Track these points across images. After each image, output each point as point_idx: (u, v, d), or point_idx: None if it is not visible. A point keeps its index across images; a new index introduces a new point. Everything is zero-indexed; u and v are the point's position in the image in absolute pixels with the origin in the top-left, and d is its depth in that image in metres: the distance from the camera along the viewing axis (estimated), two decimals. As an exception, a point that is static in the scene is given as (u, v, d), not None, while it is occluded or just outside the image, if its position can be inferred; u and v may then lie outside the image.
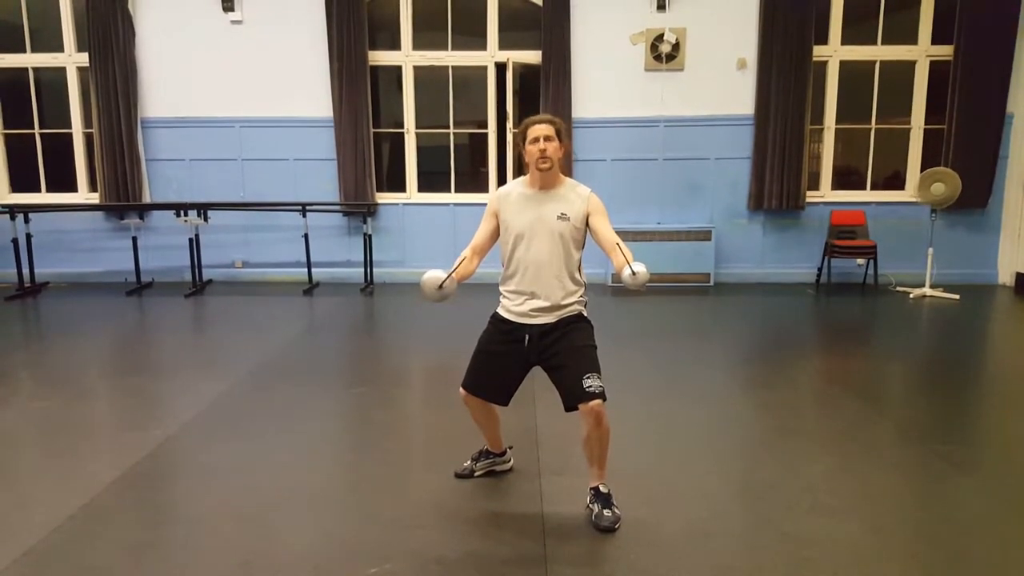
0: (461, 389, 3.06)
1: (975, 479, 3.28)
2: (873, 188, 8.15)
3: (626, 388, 4.25)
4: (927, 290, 7.36)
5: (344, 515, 2.96)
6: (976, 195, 7.72)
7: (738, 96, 7.86)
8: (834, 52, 7.86)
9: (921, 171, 7.64)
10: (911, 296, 7.35)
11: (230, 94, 7.98)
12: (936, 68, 7.83)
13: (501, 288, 3.01)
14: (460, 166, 8.39)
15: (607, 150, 7.97)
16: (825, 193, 8.08)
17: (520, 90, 7.99)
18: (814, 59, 7.69)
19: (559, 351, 2.84)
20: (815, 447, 3.65)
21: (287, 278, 8.20)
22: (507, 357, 2.94)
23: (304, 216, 7.65)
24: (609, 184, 7.97)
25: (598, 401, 2.72)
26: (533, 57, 7.88)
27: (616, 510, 2.81)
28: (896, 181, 8.21)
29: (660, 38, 7.73)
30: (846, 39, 7.84)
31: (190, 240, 7.64)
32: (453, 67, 8.08)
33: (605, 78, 7.86)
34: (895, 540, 2.76)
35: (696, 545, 2.70)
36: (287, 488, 3.17)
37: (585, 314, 2.95)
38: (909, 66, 7.91)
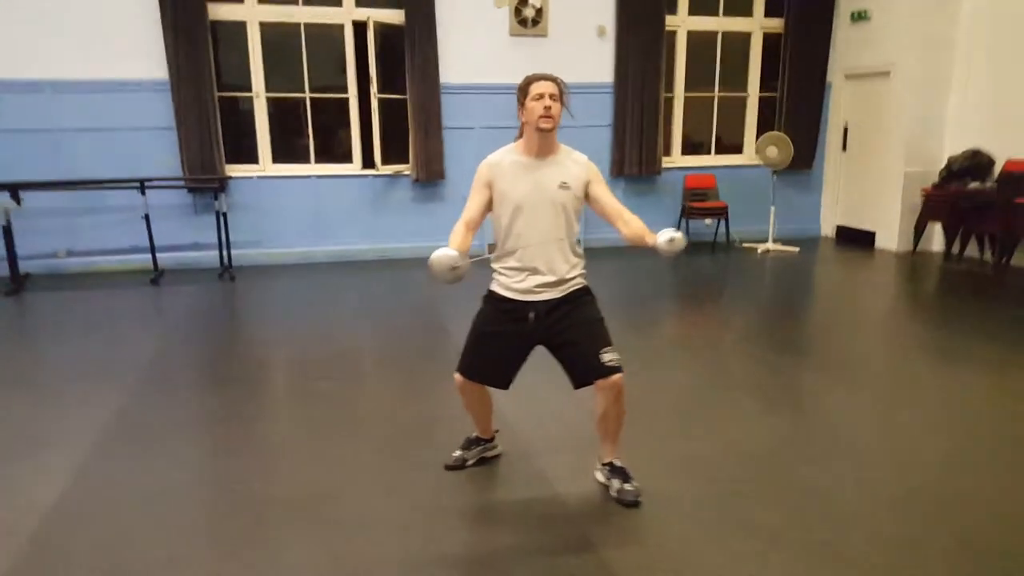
0: (457, 375, 2.83)
1: (839, 379, 3.66)
2: (719, 153, 8.75)
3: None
4: (770, 245, 8.09)
5: (350, 530, 2.62)
6: (804, 158, 8.57)
7: (599, 64, 8.02)
8: (682, 22, 8.27)
9: (757, 138, 8.34)
10: (759, 251, 8.04)
11: (36, 50, 6.71)
12: (769, 40, 8.52)
13: (496, 265, 2.80)
14: (320, 135, 7.78)
15: (476, 117, 7.78)
16: (676, 159, 8.54)
17: (383, 53, 7.53)
18: (666, 29, 8.03)
19: (569, 326, 2.70)
20: (753, 400, 3.86)
21: (124, 267, 7.17)
22: (510, 338, 2.75)
23: (143, 194, 6.68)
24: (479, 152, 7.70)
25: (619, 375, 2.64)
26: (395, 17, 7.46)
27: (636, 483, 2.76)
28: (739, 146, 8.88)
29: (524, 2, 7.66)
30: (692, 10, 8.27)
31: (1, 228, 6.39)
32: (306, 24, 7.42)
33: (471, 42, 7.64)
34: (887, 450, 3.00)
35: (727, 507, 2.73)
36: (266, 504, 2.76)
37: (588, 287, 2.83)
38: (747, 37, 8.53)
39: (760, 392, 3.96)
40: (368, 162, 7.73)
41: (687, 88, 8.46)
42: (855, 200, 8.56)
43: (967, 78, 7.40)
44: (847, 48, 8.34)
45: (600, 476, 2.88)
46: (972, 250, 7.41)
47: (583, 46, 7.94)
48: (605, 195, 2.75)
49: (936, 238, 7.85)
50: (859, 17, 8.11)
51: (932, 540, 2.51)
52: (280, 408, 3.94)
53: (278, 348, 5.00)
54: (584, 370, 2.69)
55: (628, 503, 2.71)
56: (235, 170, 7.42)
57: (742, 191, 8.48)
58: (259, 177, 7.53)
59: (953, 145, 7.48)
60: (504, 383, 2.80)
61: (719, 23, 8.41)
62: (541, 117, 2.61)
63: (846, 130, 8.57)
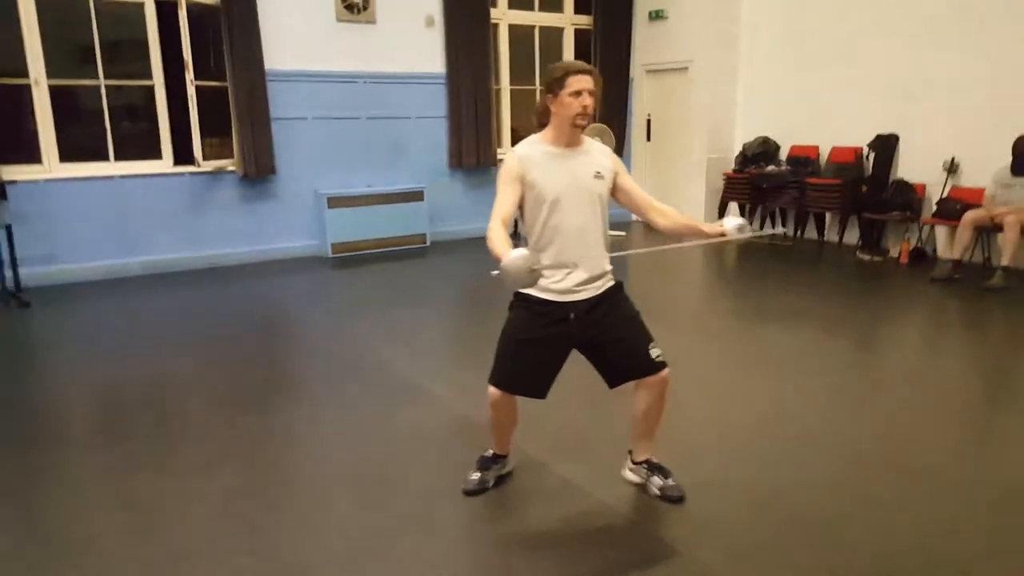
0: (493, 389, 2.63)
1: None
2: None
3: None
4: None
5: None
6: (615, 148, 9.16)
7: (429, 54, 7.83)
8: (503, 15, 8.37)
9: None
10: (592, 236, 8.47)
11: None
12: (581, 35, 8.95)
13: (526, 264, 2.62)
14: (120, 128, 6.65)
15: (307, 107, 7.20)
16: (508, 149, 8.65)
17: (197, 35, 6.62)
18: (489, 22, 8.06)
19: (612, 324, 2.63)
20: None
21: None
22: (551, 342, 2.61)
23: None
24: (312, 145, 7.28)
25: (667, 370, 2.64)
26: (208, -5, 6.60)
27: (675, 478, 2.78)
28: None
29: (351, -14, 7.21)
30: (511, 4, 8.40)
31: None
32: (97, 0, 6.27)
33: (296, 26, 7.03)
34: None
35: (783, 496, 2.82)
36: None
37: (620, 282, 2.77)
38: (560, 32, 8.88)
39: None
40: (184, 158, 6.78)
41: (512, 81, 8.60)
42: (661, 185, 9.35)
43: (751, 73, 8.43)
44: (647, 45, 9.06)
45: (634, 476, 2.86)
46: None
47: (412, 35, 7.69)
48: (634, 186, 2.71)
49: (735, 215, 8.89)
50: (656, 16, 8.83)
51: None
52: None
53: (84, 392, 4.07)
54: (633, 367, 2.64)
55: (675, 499, 2.73)
56: (14, 172, 6.06)
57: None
58: (45, 180, 6.24)
59: (744, 133, 8.51)
60: (543, 392, 2.65)
61: (536, 17, 8.65)
62: (578, 115, 2.50)
63: (649, 121, 9.33)
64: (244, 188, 7.07)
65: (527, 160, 2.56)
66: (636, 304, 2.72)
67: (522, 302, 2.63)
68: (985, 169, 6.26)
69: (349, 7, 7.26)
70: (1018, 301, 5.56)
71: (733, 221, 2.56)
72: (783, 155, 8.10)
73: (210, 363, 4.46)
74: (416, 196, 7.77)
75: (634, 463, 2.86)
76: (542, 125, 2.65)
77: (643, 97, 9.30)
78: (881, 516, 2.63)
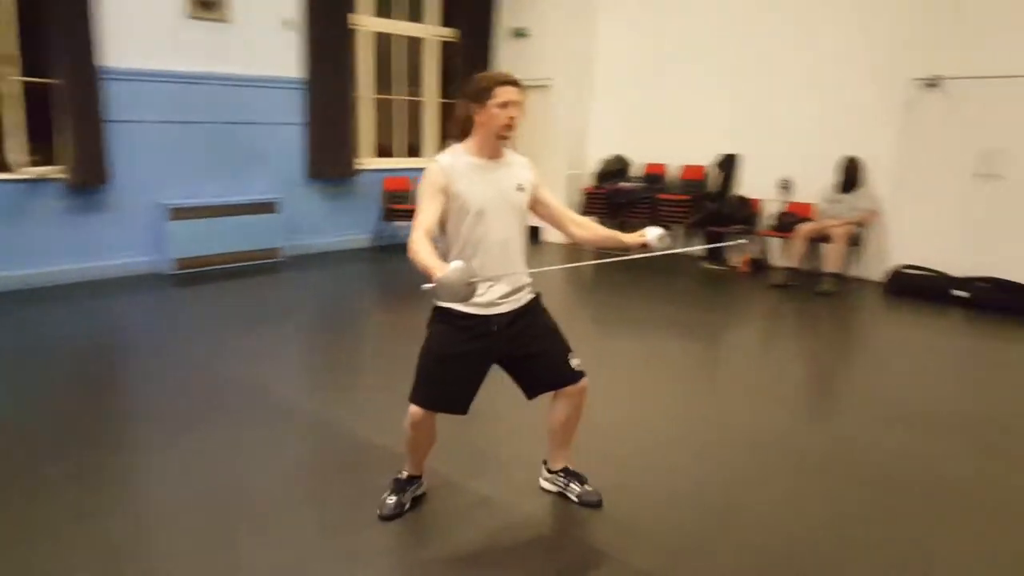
0: (415, 409, 2.52)
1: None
2: (411, 155, 8.90)
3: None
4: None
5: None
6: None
7: (288, 58, 7.45)
8: (366, 23, 8.16)
9: (441, 140, 8.73)
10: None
11: None
12: (445, 48, 8.92)
13: (447, 278, 2.53)
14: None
15: (146, 110, 6.56)
16: (367, 160, 8.43)
17: (26, 25, 5.85)
18: (349, 27, 7.83)
19: (535, 336, 2.61)
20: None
21: None
22: (474, 357, 2.54)
23: None
24: (154, 151, 6.67)
25: (586, 379, 2.66)
26: (31, -20, 5.85)
27: (591, 483, 2.80)
28: (420, 148, 9.13)
29: (201, -18, 6.70)
30: (374, 11, 8.22)
31: None
32: None
33: (139, 19, 6.41)
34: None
35: (693, 494, 2.93)
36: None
37: (539, 293, 2.75)
38: (422, 43, 8.80)
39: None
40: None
41: (375, 90, 8.40)
42: (522, 198, 9.53)
43: (607, 93, 8.83)
44: (510, 61, 9.18)
45: (551, 485, 2.85)
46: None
47: (269, 37, 7.28)
48: (553, 199, 2.72)
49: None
50: (519, 34, 9.02)
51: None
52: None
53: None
54: (554, 378, 2.63)
55: (594, 504, 2.75)
56: None
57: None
58: None
59: (600, 150, 8.87)
60: (466, 408, 2.56)
61: (399, 27, 8.52)
62: (504, 127, 2.47)
63: (509, 135, 9.47)
64: (71, 199, 6.30)
65: (452, 171, 2.48)
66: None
67: (443, 316, 2.54)
68: (814, 187, 6.97)
69: (202, 3, 6.74)
70: (844, 303, 6.23)
71: (654, 231, 2.62)
72: (641, 172, 8.53)
73: (38, 400, 3.87)
74: (269, 207, 7.33)
75: (550, 472, 2.85)
76: (462, 135, 2.59)
77: (502, 113, 9.43)
78: (773, 492, 2.81)
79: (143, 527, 2.61)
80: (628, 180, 8.50)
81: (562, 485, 2.81)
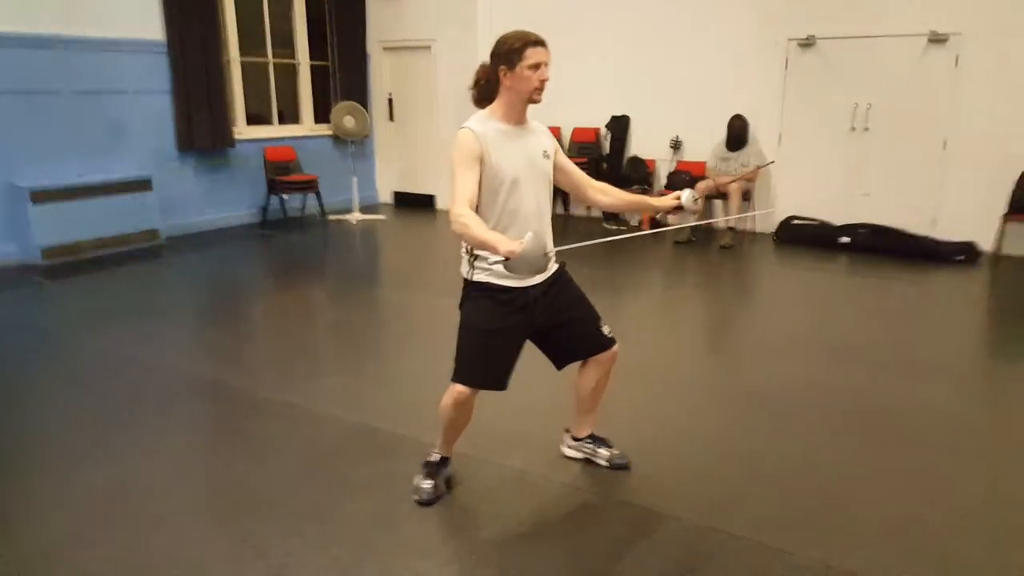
0: (461, 388, 2.38)
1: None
2: (282, 122, 8.29)
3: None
4: (358, 215, 8.19)
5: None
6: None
7: (144, 17, 6.65)
8: (228, -22, 7.44)
9: (314, 106, 8.24)
10: (353, 221, 8.05)
11: None
12: (312, 5, 8.33)
13: (480, 252, 2.38)
14: None
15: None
16: (243, 129, 7.77)
17: None
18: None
19: (567, 304, 2.54)
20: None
21: None
22: (515, 331, 2.43)
23: None
24: (2, 126, 5.75)
25: (617, 345, 2.63)
26: None
27: (616, 447, 2.80)
28: (297, 115, 8.53)
29: (41, -74, 5.78)
30: (236, -34, 7.52)
31: None
32: None
33: (-33, -30, 5.44)
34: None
35: (712, 452, 2.99)
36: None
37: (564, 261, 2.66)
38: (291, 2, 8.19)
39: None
40: None
41: (240, 52, 7.71)
42: (409, 166, 9.24)
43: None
44: (383, 22, 8.79)
45: (576, 452, 2.82)
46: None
47: (124, -7, 6.46)
48: (573, 165, 2.63)
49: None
50: (395, -11, 8.62)
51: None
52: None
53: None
54: (587, 345, 2.58)
55: (623, 466, 2.75)
56: None
57: (311, 162, 8.25)
58: None
59: (487, 114, 8.75)
60: (506, 383, 2.45)
61: (263, -18, 7.86)
62: (537, 90, 2.34)
63: (391, 100, 9.12)
64: (-98, 182, 5.32)
65: (484, 139, 2.32)
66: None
67: (481, 292, 2.40)
68: (704, 145, 7.31)
69: (37, -48, 5.82)
70: (744, 254, 6.64)
71: (688, 192, 2.61)
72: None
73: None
74: (142, 185, 6.58)
75: (576, 440, 2.81)
76: (484, 100, 2.43)
77: (383, 75, 9.04)
78: (763, 432, 2.97)
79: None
80: (520, 144, 8.47)
81: (589, 452, 2.79)
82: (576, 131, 8.17)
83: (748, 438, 3.05)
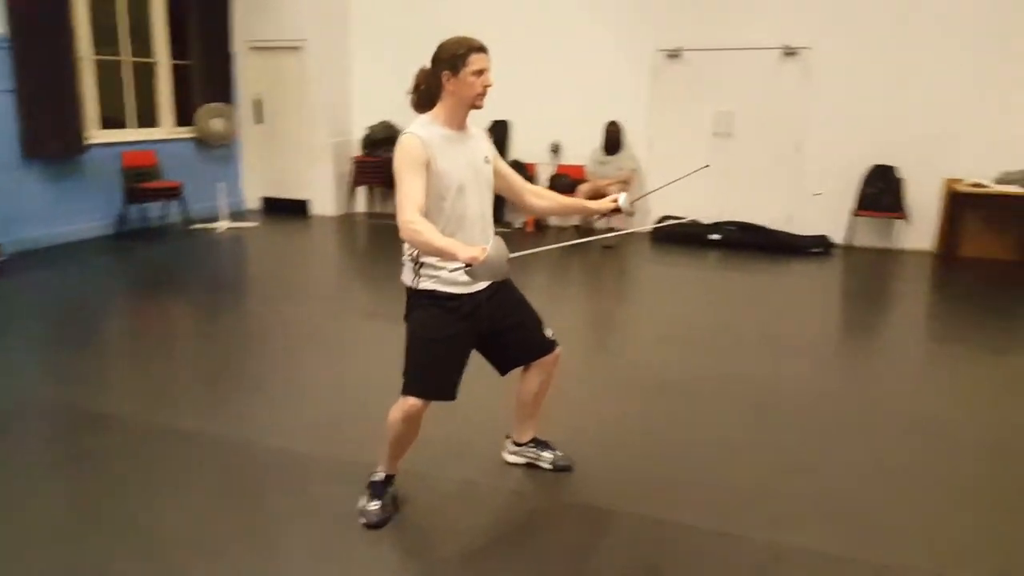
0: (414, 401, 2.33)
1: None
2: (140, 126, 7.65)
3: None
4: (226, 223, 7.73)
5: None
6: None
7: (-20, 6, 5.93)
8: (73, -33, 6.77)
9: (175, 107, 7.71)
10: (219, 230, 7.58)
11: None
12: (179, 4, 7.78)
13: (426, 259, 2.33)
14: None
15: None
16: (96, 133, 7.10)
17: None
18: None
19: (511, 309, 2.55)
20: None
21: None
22: (464, 338, 2.41)
23: None
24: None
25: (559, 347, 2.67)
26: None
27: (559, 449, 2.85)
28: (154, 118, 7.91)
29: None
30: (82, -46, 6.86)
31: None
32: None
33: None
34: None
35: (639, 445, 3.08)
36: None
37: None
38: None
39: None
40: None
41: (94, 50, 7.04)
42: (280, 171, 8.83)
43: (366, 57, 8.50)
44: (250, 20, 8.35)
45: (519, 458, 2.83)
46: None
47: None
48: (509, 170, 2.63)
49: (363, 200, 8.89)
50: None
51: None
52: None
53: None
54: (531, 349, 2.61)
55: (565, 467, 2.79)
56: None
57: (172, 167, 7.68)
58: None
59: (365, 117, 8.56)
60: (455, 393, 2.42)
61: (114, -26, 7.23)
62: (480, 95, 2.33)
63: (259, 102, 8.68)
64: None
65: (430, 144, 2.27)
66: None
67: (428, 300, 2.35)
68: (582, 149, 7.56)
69: None
70: (627, 253, 6.95)
71: (624, 195, 2.68)
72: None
73: None
74: (-23, 196, 5.87)
75: (518, 445, 2.83)
76: (423, 105, 2.39)
77: (249, 76, 8.58)
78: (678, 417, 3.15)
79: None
80: (399, 148, 8.36)
81: (533, 456, 2.81)
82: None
83: (668, 427, 3.20)
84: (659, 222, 7.37)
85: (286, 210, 8.78)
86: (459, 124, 2.38)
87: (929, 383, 3.89)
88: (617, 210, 2.66)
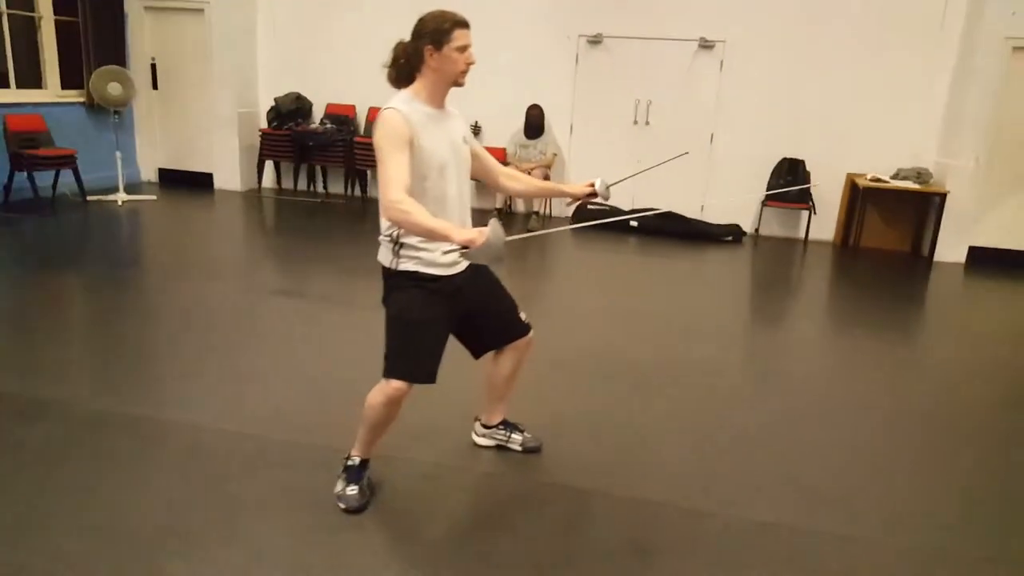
0: (399, 384, 2.26)
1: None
2: (20, 87, 6.94)
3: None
4: (123, 195, 7.18)
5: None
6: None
7: None
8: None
9: (60, 67, 7.07)
10: (118, 203, 7.03)
11: None
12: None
13: (407, 239, 2.25)
14: None
15: None
16: (-32, 91, 6.41)
17: None
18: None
19: (487, 292, 2.52)
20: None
21: None
22: (445, 320, 2.36)
23: None
24: None
25: (532, 331, 2.66)
26: None
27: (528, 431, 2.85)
28: (38, 78, 7.20)
29: None
30: None
31: None
32: None
33: None
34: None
35: (591, 423, 3.12)
36: None
37: None
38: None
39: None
40: None
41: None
42: (178, 142, 8.28)
43: (275, 23, 8.08)
44: (148, -23, 7.76)
45: (488, 440, 2.82)
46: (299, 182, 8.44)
47: None
48: (484, 151, 2.58)
49: (270, 175, 8.47)
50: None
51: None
52: None
53: None
54: (508, 332, 2.59)
55: (535, 449, 2.80)
56: None
57: (61, 134, 7.04)
58: None
59: (273, 88, 8.15)
60: (435, 376, 2.36)
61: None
62: (463, 73, 2.28)
63: (154, 66, 8.08)
64: None
65: (412, 122, 2.19)
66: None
67: (410, 281, 2.28)
68: (503, 132, 7.53)
69: None
70: (546, 238, 7.00)
71: (597, 180, 2.68)
72: (319, 113, 8.10)
73: None
74: None
75: (487, 427, 2.81)
76: (402, 80, 2.29)
77: (143, 38, 7.96)
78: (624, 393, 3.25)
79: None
80: (311, 121, 8.05)
81: (503, 438, 2.80)
82: (373, 111, 7.94)
83: (614, 409, 3.27)
84: (579, 208, 7.49)
85: (186, 183, 8.26)
86: (440, 102, 2.31)
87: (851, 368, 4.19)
88: (593, 194, 2.67)
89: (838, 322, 5.06)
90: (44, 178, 6.76)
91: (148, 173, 8.40)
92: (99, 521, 2.25)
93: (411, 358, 2.27)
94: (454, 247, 2.03)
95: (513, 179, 2.66)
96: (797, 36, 6.89)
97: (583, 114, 7.58)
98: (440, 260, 2.28)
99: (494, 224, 1.98)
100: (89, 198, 7.00)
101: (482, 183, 2.70)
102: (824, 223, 7.11)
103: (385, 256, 2.30)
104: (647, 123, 7.43)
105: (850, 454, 2.97)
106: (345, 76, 7.97)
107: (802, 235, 7.18)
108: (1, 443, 2.68)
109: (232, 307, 4.42)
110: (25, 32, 6.99)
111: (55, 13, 7.16)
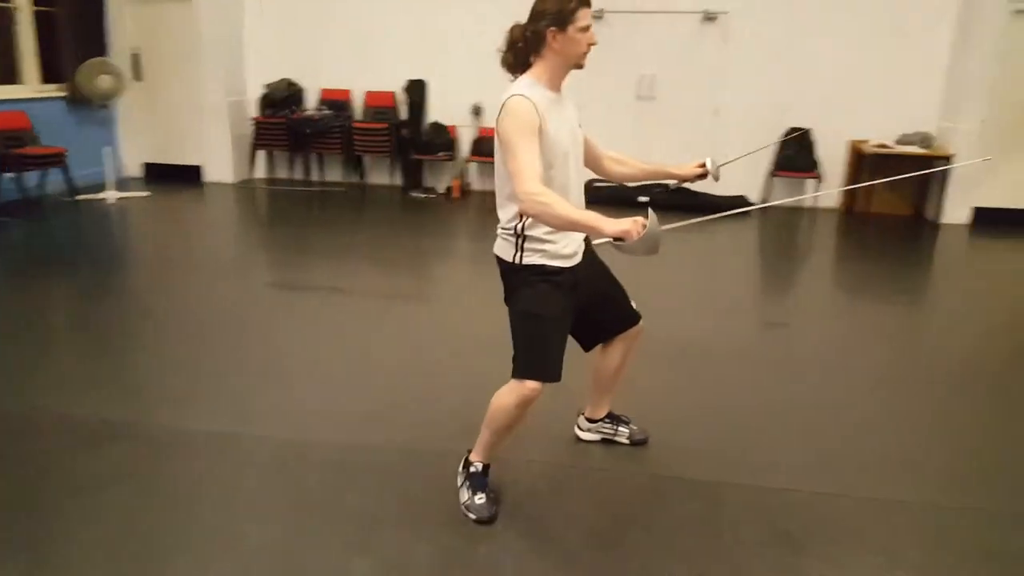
0: (534, 385, 2.19)
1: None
2: (2, 82, 6.56)
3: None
4: (114, 193, 6.87)
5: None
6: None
7: None
8: None
9: (39, 59, 6.71)
10: (108, 201, 6.73)
11: None
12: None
13: (531, 232, 2.16)
14: None
15: None
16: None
17: None
18: None
19: (601, 280, 2.47)
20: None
21: None
22: (570, 314, 2.29)
23: None
24: None
25: (642, 318, 2.60)
26: None
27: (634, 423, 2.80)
28: (15, 73, 6.81)
29: None
30: None
31: None
32: None
33: None
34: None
35: (688, 410, 3.08)
36: None
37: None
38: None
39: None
40: None
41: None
42: (165, 135, 7.94)
43: (263, 7, 7.76)
44: (124, -39, 7.37)
45: (594, 435, 2.77)
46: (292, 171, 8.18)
47: None
48: (588, 134, 2.49)
49: (263, 165, 8.19)
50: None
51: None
52: None
53: None
54: (619, 321, 2.54)
55: (642, 441, 2.76)
56: None
57: (44, 131, 6.68)
58: None
59: (262, 74, 7.85)
60: (561, 374, 2.28)
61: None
62: (585, 55, 2.18)
63: (137, 57, 7.71)
64: None
65: (539, 107, 2.09)
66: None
67: (538, 276, 2.20)
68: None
69: None
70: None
71: (711, 159, 2.62)
72: (316, 99, 7.85)
73: None
74: None
75: (592, 421, 2.75)
76: (518, 66, 2.19)
77: (125, 28, 7.58)
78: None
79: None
80: (307, 107, 7.80)
81: (609, 432, 2.75)
82: (370, 95, 7.73)
83: (710, 392, 3.24)
84: (588, 184, 7.40)
85: (174, 177, 7.93)
86: (559, 86, 2.22)
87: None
88: (704, 175, 2.61)
89: (882, 292, 5.03)
90: (29, 178, 6.42)
91: (133, 168, 8.05)
92: (233, 542, 2.14)
93: (545, 356, 2.20)
94: (604, 239, 1.96)
95: (620, 163, 2.59)
96: (798, 5, 6.88)
97: (585, 90, 7.42)
98: (563, 251, 2.21)
99: (651, 215, 1.92)
100: (78, 197, 6.68)
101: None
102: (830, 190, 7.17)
103: (506, 250, 2.22)
104: (652, 98, 7.36)
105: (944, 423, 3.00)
106: (339, 60, 7.72)
107: (808, 204, 7.24)
108: (78, 471, 2.53)
109: (279, 307, 4.26)
110: (3, 23, 6.59)
111: (33, 3, 6.76)
